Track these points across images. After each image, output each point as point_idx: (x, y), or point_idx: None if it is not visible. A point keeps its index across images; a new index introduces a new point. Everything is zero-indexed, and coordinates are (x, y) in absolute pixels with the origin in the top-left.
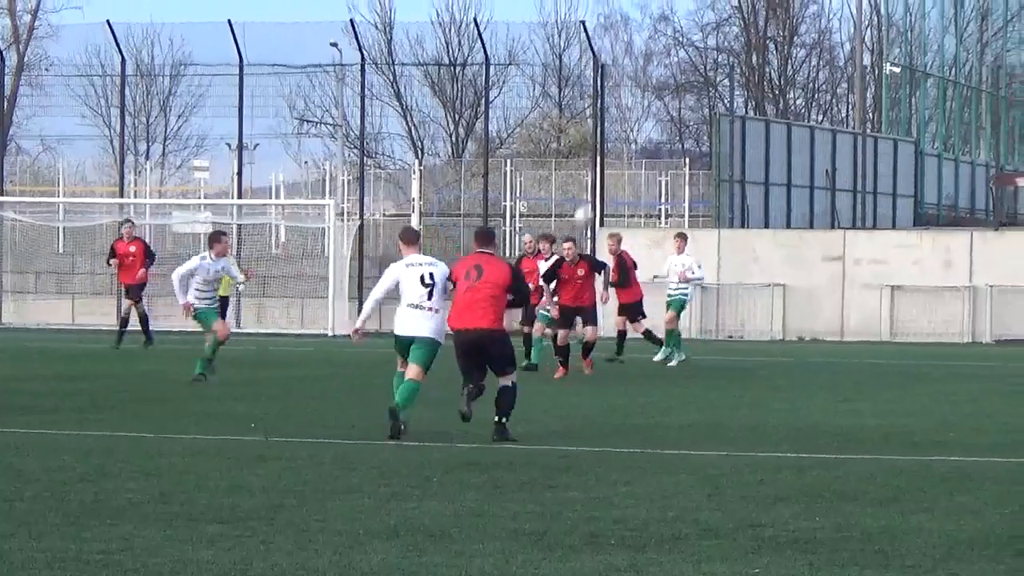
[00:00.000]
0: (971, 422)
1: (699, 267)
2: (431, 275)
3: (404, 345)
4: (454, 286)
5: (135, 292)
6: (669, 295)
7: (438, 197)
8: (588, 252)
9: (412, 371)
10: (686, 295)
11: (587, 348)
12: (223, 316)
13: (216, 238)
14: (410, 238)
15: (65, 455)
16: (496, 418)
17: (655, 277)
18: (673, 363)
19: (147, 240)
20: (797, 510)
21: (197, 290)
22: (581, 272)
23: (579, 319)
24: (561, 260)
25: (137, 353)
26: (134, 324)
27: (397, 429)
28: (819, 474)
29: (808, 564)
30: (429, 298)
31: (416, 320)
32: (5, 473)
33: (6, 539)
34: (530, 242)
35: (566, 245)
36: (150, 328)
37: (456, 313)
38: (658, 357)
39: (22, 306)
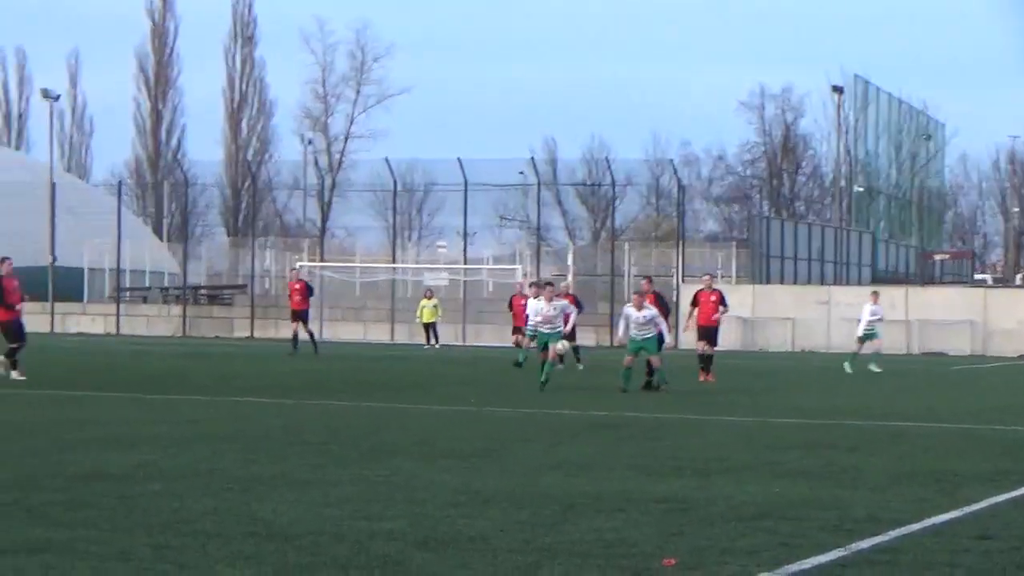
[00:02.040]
0: (902, 401)
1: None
2: (552, 307)
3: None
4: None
5: (302, 315)
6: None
7: (584, 264)
8: (673, 299)
9: (552, 351)
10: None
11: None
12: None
13: (542, 287)
14: (541, 286)
15: (364, 419)
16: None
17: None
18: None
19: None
20: (799, 454)
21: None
22: (713, 299)
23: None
24: (700, 289)
25: (414, 356)
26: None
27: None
28: (812, 433)
29: (808, 486)
30: (537, 315)
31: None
32: (344, 430)
33: (347, 466)
34: (520, 285)
35: (705, 278)
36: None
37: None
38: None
39: (333, 328)
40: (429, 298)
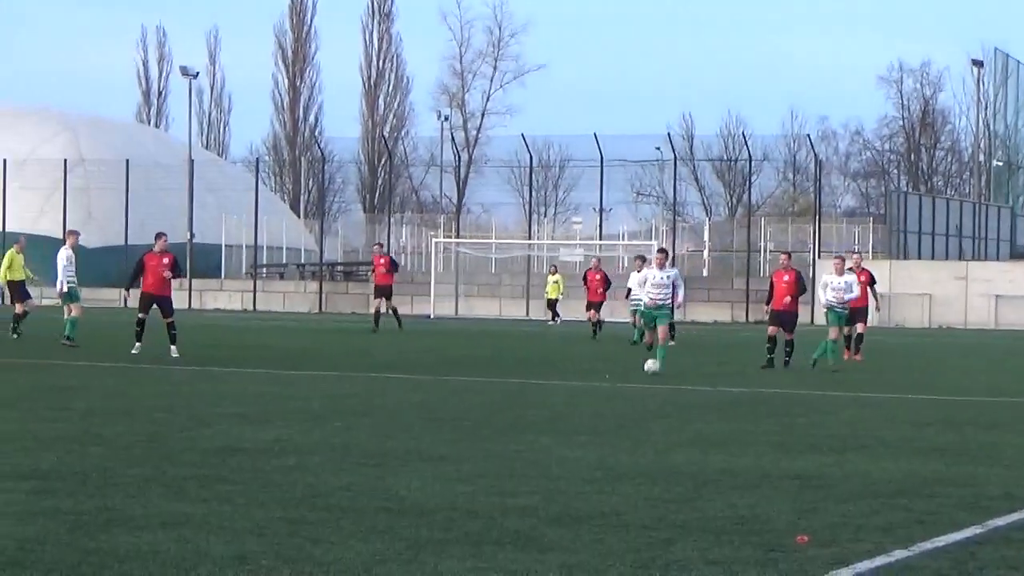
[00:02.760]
0: None
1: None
2: (664, 275)
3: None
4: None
5: (386, 291)
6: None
7: (720, 240)
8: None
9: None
10: None
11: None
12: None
13: (645, 260)
14: (644, 259)
15: (498, 395)
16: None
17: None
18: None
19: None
20: (936, 431)
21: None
22: (862, 279)
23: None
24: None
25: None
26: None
27: None
28: (949, 410)
29: (944, 463)
30: (644, 285)
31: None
32: (456, 399)
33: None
34: (597, 261)
35: (855, 256)
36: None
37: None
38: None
39: (468, 304)
40: (553, 273)
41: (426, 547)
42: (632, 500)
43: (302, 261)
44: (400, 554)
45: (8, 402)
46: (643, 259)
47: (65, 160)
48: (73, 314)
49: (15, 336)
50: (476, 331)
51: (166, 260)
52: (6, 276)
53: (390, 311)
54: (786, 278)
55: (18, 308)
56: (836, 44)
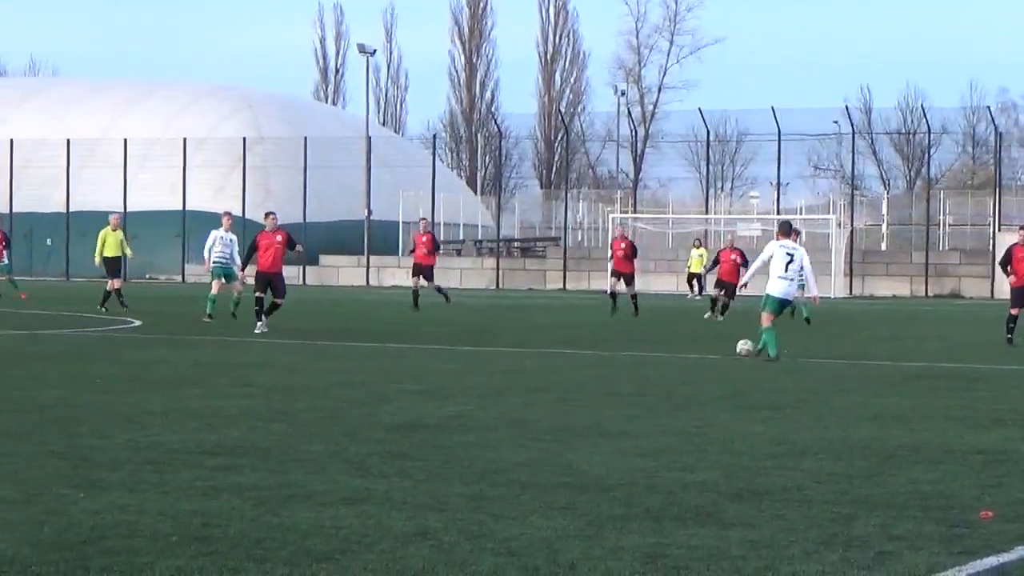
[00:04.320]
0: None
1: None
2: (791, 255)
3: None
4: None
5: (426, 271)
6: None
7: (898, 214)
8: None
9: (767, 319)
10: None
11: None
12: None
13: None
14: (784, 230)
15: (677, 370)
16: None
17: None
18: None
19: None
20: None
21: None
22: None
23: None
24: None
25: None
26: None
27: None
28: None
29: None
30: (786, 270)
31: (783, 285)
32: (602, 379)
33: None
34: (731, 239)
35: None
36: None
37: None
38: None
39: (645, 279)
40: (697, 247)
41: (607, 523)
42: (814, 475)
43: (479, 237)
44: (581, 530)
45: (192, 379)
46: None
47: (244, 138)
48: (214, 291)
49: (103, 310)
50: (653, 306)
51: (279, 238)
52: (101, 253)
53: (436, 289)
54: None
55: (111, 284)
56: (1017, 14)
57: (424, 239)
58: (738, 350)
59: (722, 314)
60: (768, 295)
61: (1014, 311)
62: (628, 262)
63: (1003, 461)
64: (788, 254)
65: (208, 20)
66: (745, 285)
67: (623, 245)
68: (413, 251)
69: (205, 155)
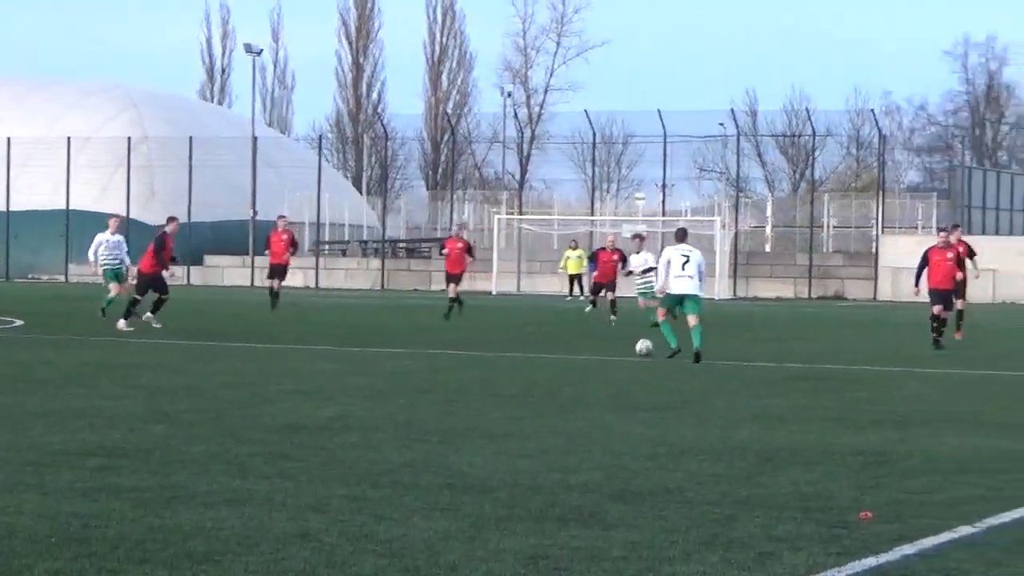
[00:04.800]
0: None
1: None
2: (687, 255)
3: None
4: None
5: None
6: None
7: (783, 216)
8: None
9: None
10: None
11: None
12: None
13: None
14: (680, 236)
15: (561, 372)
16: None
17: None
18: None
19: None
20: (1001, 406)
21: None
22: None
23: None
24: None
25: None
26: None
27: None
28: (1014, 385)
29: (1009, 439)
30: (683, 269)
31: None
32: (514, 379)
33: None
34: (612, 240)
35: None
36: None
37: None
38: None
39: (531, 280)
40: (574, 248)
41: (489, 524)
42: (695, 476)
43: (364, 238)
44: (463, 531)
45: (74, 379)
46: (641, 238)
47: (129, 138)
48: (113, 293)
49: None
50: (538, 307)
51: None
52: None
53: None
54: (950, 255)
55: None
56: (900, 18)
57: (284, 237)
58: (638, 350)
59: (613, 313)
60: (667, 293)
61: (936, 310)
62: (461, 263)
63: (882, 462)
64: (684, 255)
65: (93, 18)
66: (663, 289)
67: (459, 245)
68: (268, 249)
69: (89, 155)
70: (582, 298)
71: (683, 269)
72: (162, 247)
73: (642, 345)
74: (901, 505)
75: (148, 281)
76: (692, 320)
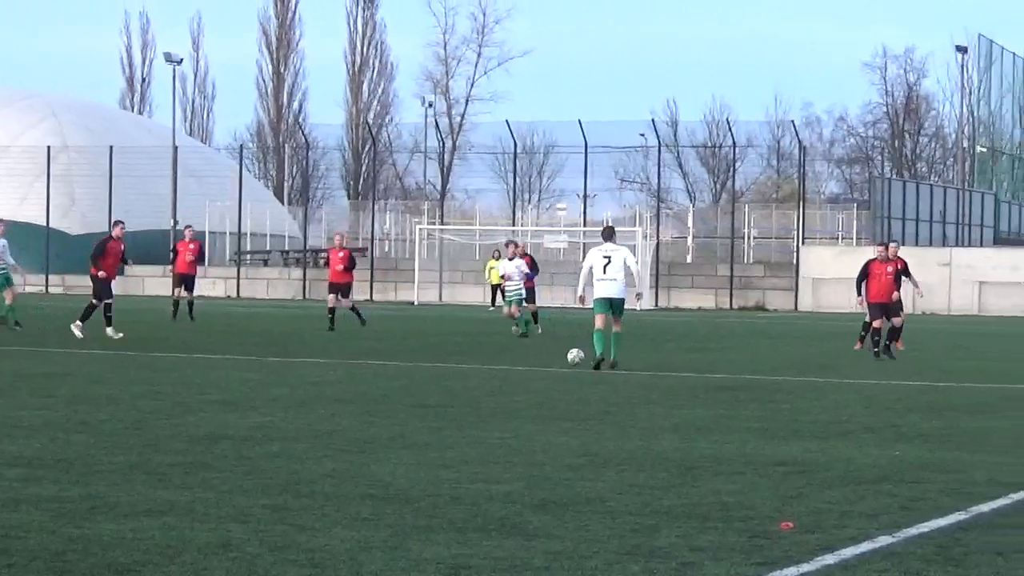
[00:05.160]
0: None
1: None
2: (608, 256)
3: (605, 307)
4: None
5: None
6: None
7: (704, 226)
8: (793, 261)
9: (615, 325)
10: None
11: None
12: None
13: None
14: (606, 235)
15: (483, 382)
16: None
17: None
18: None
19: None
20: (920, 417)
21: None
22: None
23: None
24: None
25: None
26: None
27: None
28: (933, 396)
29: (928, 449)
30: (604, 272)
31: (602, 287)
32: (438, 390)
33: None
34: (506, 248)
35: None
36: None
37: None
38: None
39: (453, 290)
40: (498, 259)
41: (410, 534)
42: (617, 486)
43: (286, 248)
44: (385, 541)
45: None
46: (516, 244)
47: (48, 147)
48: (9, 301)
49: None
50: (460, 317)
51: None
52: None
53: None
54: (889, 268)
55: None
56: (820, 30)
57: (191, 247)
58: (570, 359)
59: (535, 322)
60: (595, 299)
61: (876, 324)
62: (347, 274)
63: (802, 472)
64: (605, 256)
65: (12, 25)
66: (583, 298)
67: (341, 255)
68: (175, 259)
69: (8, 164)
70: (491, 309)
71: (604, 272)
72: (102, 252)
73: (574, 355)
74: (822, 515)
75: (100, 286)
76: (617, 325)
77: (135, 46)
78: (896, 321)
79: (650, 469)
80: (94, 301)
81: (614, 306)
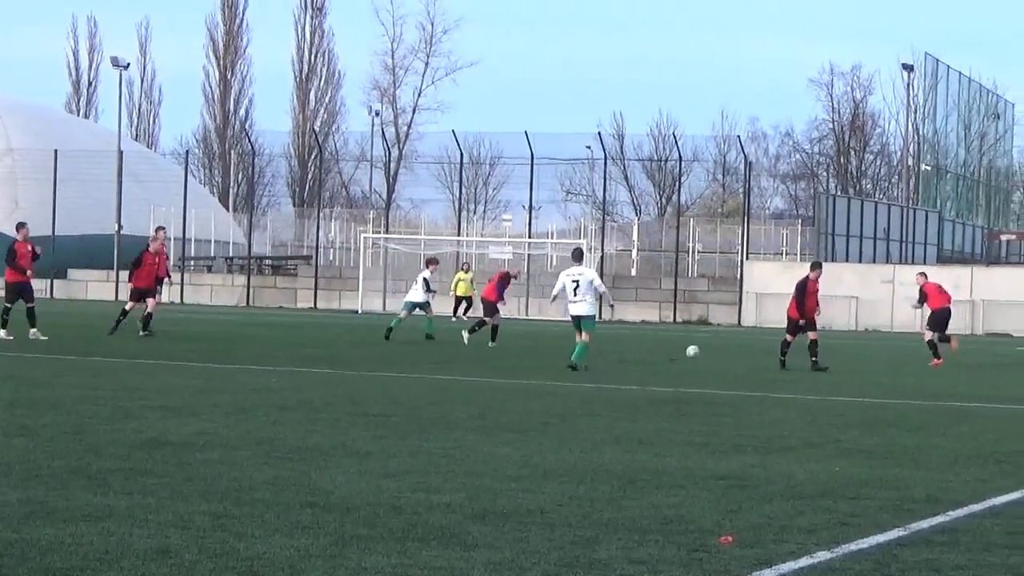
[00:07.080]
0: (973, 383)
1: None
2: (576, 279)
3: (575, 324)
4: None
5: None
6: None
7: (649, 240)
8: (738, 276)
9: (584, 336)
10: None
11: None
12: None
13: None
14: (575, 257)
15: (426, 392)
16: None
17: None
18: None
19: (472, 263)
20: (860, 433)
21: None
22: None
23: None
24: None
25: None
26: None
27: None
28: (874, 412)
29: (868, 465)
30: (574, 294)
31: (573, 307)
32: (383, 401)
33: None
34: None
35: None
36: None
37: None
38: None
39: (397, 300)
40: (466, 271)
41: (351, 543)
42: (557, 498)
43: (230, 254)
44: (325, 550)
45: None
46: (435, 262)
47: None
48: None
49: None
50: (404, 327)
51: (31, 247)
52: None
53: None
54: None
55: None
56: (767, 45)
57: (157, 260)
58: (690, 354)
59: (493, 340)
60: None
61: (790, 338)
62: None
63: (743, 487)
64: (574, 280)
65: None
66: (556, 297)
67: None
68: (141, 270)
69: None
70: (454, 319)
71: (574, 294)
72: (12, 256)
73: (693, 351)
74: (761, 530)
75: (15, 290)
76: (584, 336)
77: (82, 49)
78: (813, 335)
79: (591, 481)
80: (8, 304)
81: (583, 323)
